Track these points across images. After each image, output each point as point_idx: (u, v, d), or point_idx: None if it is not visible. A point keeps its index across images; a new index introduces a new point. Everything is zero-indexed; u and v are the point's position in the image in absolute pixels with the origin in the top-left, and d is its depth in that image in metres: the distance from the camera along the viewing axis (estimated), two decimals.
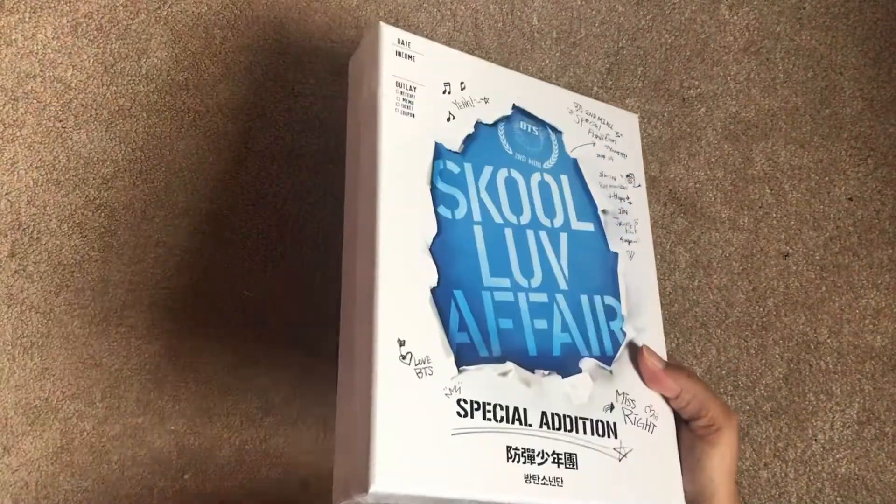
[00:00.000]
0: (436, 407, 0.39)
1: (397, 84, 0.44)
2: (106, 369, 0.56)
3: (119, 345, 0.56)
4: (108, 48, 0.53)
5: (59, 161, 0.54)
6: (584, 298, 0.46)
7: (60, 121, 0.53)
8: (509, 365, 0.42)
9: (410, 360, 0.39)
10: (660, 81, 0.55)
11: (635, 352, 0.47)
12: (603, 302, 0.47)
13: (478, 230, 0.44)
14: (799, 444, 0.57)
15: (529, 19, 0.54)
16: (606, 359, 0.46)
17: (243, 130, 0.54)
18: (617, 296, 0.48)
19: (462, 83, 0.46)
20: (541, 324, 0.44)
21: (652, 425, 0.45)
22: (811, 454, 0.57)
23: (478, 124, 0.46)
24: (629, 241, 0.49)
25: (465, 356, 0.41)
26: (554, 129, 0.49)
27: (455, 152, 0.45)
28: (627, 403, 0.45)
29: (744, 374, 0.57)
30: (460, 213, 0.44)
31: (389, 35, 0.45)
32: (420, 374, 0.39)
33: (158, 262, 0.55)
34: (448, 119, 0.45)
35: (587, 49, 0.54)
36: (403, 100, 0.44)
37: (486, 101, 0.47)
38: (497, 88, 0.47)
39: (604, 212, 0.49)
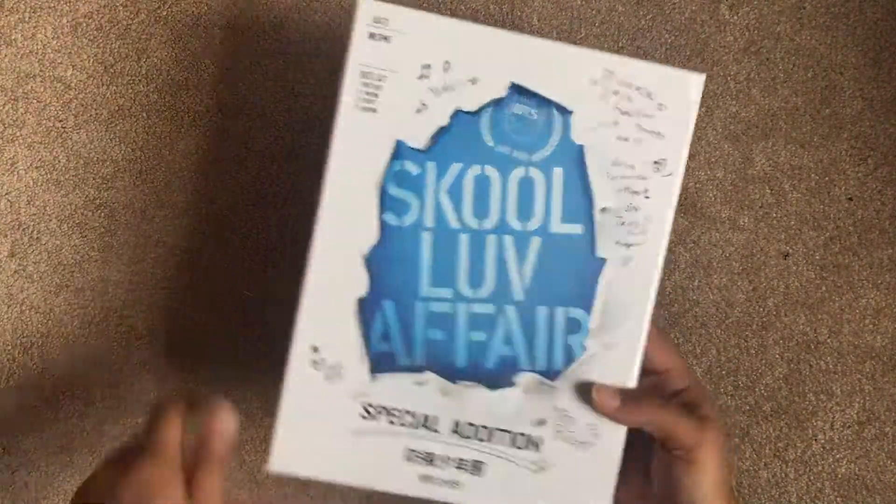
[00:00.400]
0: (339, 408, 0.43)
1: (363, 74, 0.42)
2: (106, 369, 0.56)
3: (119, 345, 0.56)
4: (108, 48, 0.53)
5: (59, 161, 0.54)
6: (541, 310, 0.43)
7: (60, 121, 0.53)
8: (428, 375, 0.43)
9: (321, 365, 0.43)
10: None
11: (589, 370, 0.44)
12: (566, 314, 0.43)
13: (426, 238, 0.43)
14: (799, 444, 0.57)
15: (529, 19, 0.54)
16: (552, 374, 0.43)
17: (243, 130, 0.54)
18: (588, 308, 0.43)
19: (447, 62, 0.42)
20: (478, 336, 0.43)
21: (589, 444, 0.44)
22: (811, 454, 0.57)
23: (456, 113, 0.42)
24: (629, 245, 0.43)
25: (381, 364, 0.43)
26: (561, 109, 0.42)
27: (418, 150, 0.42)
28: (564, 420, 0.44)
29: (744, 374, 0.57)
30: (409, 218, 0.42)
31: (365, 13, 0.41)
32: (329, 379, 0.43)
33: (158, 262, 0.55)
34: (418, 110, 0.42)
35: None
36: (367, 93, 0.42)
37: (473, 81, 0.42)
38: (494, 63, 0.42)
39: (603, 210, 0.43)
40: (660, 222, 0.43)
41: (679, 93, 0.43)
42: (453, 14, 0.54)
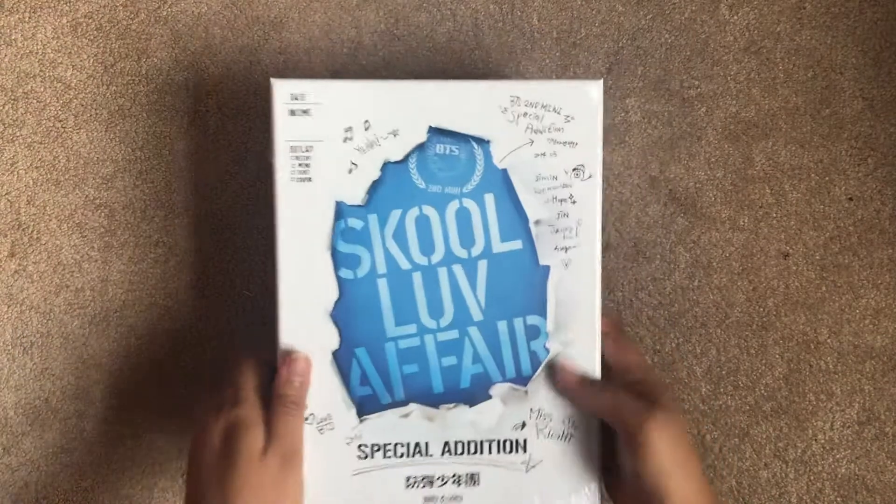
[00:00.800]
0: (337, 455, 0.46)
1: (292, 149, 0.44)
2: (106, 369, 0.56)
3: (119, 345, 0.56)
4: (108, 48, 0.53)
5: (59, 161, 0.54)
6: (501, 325, 0.47)
7: (60, 121, 0.53)
8: (412, 406, 0.47)
9: (313, 420, 0.46)
10: (660, 81, 0.55)
11: (553, 368, 0.47)
12: (525, 323, 0.47)
13: (382, 284, 0.46)
14: (799, 444, 0.57)
15: (530, 19, 0.54)
16: (522, 380, 0.47)
17: (243, 130, 0.54)
18: (543, 312, 0.47)
19: (366, 122, 0.45)
20: (449, 361, 0.47)
21: (570, 435, 0.47)
22: (811, 454, 0.57)
23: (385, 166, 0.45)
24: (566, 249, 0.46)
25: (366, 407, 0.46)
26: (479, 141, 0.45)
27: (357, 206, 0.45)
28: (542, 419, 0.47)
29: (744, 374, 0.57)
30: (363, 270, 0.45)
31: (281, 93, 0.44)
32: (322, 431, 0.46)
33: (158, 262, 0.55)
34: (350, 171, 0.45)
35: (587, 49, 0.54)
36: (299, 165, 0.44)
37: (395, 134, 0.45)
38: (410, 113, 0.45)
39: (537, 222, 0.46)
40: (591, 223, 0.46)
41: (582, 102, 0.46)
42: (454, 14, 0.54)
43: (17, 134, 0.53)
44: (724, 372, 0.57)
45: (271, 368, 0.45)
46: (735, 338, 0.57)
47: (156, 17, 0.53)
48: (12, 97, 0.53)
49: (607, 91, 0.55)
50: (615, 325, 0.50)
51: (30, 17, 0.52)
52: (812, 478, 0.57)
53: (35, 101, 0.53)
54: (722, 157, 0.56)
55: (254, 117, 0.54)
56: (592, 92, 0.46)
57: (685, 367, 0.57)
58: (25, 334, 0.55)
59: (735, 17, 0.55)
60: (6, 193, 0.54)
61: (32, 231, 0.54)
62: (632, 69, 0.55)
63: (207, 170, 0.54)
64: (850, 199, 0.56)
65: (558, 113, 0.46)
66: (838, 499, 0.58)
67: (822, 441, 0.57)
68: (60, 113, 0.53)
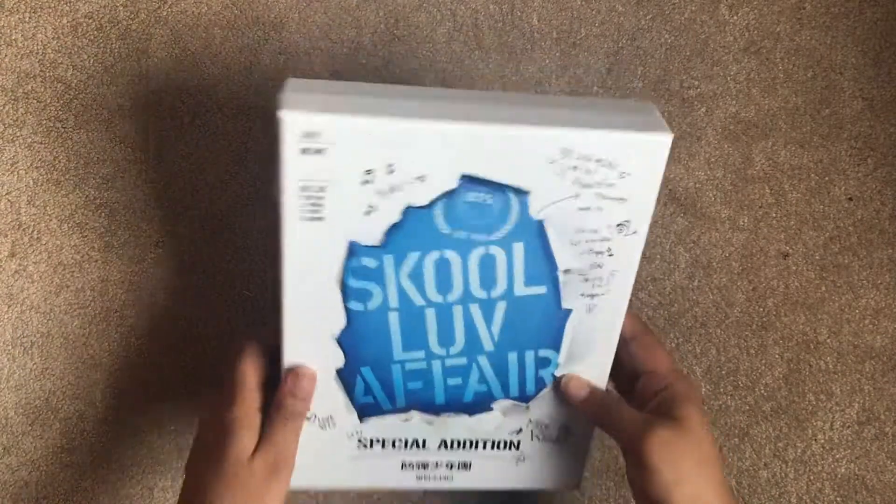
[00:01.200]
0: (337, 445, 0.47)
1: (302, 189, 0.38)
2: (106, 369, 0.56)
3: (119, 345, 0.56)
4: (108, 48, 0.53)
5: (59, 161, 0.54)
6: (512, 355, 0.45)
7: (60, 121, 0.53)
8: (412, 413, 0.47)
9: (315, 419, 0.46)
10: (660, 81, 0.55)
11: (559, 393, 0.47)
12: (536, 354, 0.45)
13: (393, 316, 0.43)
14: (799, 444, 0.57)
15: (529, 19, 0.54)
16: (525, 398, 0.47)
17: (243, 130, 0.54)
18: (557, 347, 0.45)
19: (390, 165, 0.38)
20: (454, 381, 0.46)
21: (562, 440, 0.49)
22: (811, 454, 0.57)
23: (407, 210, 0.40)
24: (592, 296, 0.43)
25: (367, 411, 0.46)
26: (518, 192, 0.40)
27: (373, 247, 0.41)
28: (539, 427, 0.48)
29: (743, 374, 0.57)
30: (374, 304, 0.42)
31: (294, 129, 0.37)
32: (324, 427, 0.46)
33: (158, 262, 0.55)
34: (367, 212, 0.40)
35: (587, 49, 0.54)
36: (311, 205, 0.39)
37: (422, 179, 0.39)
38: (441, 158, 0.39)
39: (566, 271, 0.42)
40: (625, 275, 0.43)
41: (646, 158, 0.40)
42: (454, 14, 0.54)
43: (18, 134, 0.53)
44: (723, 372, 0.57)
45: (274, 350, 0.44)
46: (735, 338, 0.57)
47: (156, 18, 0.53)
48: (12, 97, 0.53)
49: (607, 91, 0.55)
50: (642, 327, 0.48)
51: (30, 18, 0.52)
52: (812, 478, 0.58)
53: (35, 101, 0.53)
54: (722, 157, 0.56)
55: (254, 117, 0.54)
56: (659, 147, 0.39)
57: (685, 367, 0.57)
58: (25, 334, 0.55)
59: (735, 18, 0.55)
60: (6, 193, 0.54)
61: (32, 231, 0.54)
62: (632, 69, 0.55)
63: (207, 170, 0.54)
64: (850, 199, 0.56)
65: (613, 168, 0.39)
66: (838, 499, 0.58)
67: (822, 441, 0.57)
68: (60, 113, 0.53)
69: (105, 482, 0.57)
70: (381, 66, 0.54)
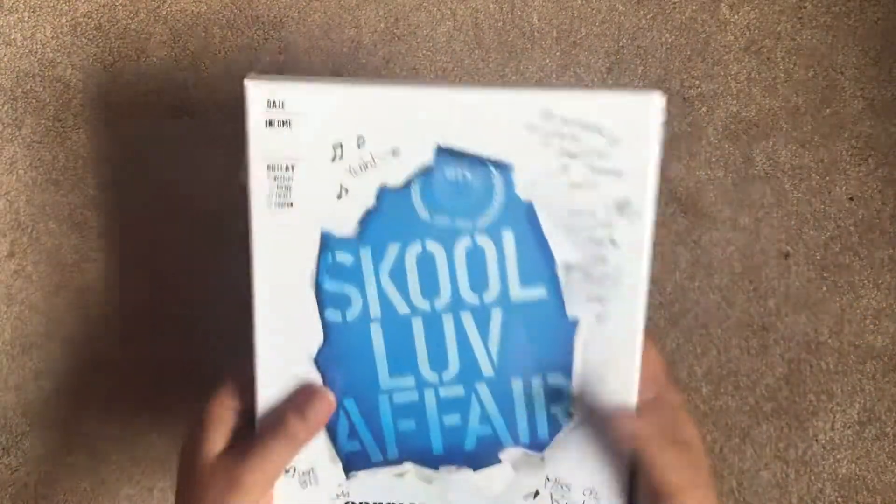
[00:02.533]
0: None
1: (269, 168, 0.37)
2: (106, 369, 0.56)
3: (119, 345, 0.56)
4: (107, 48, 0.53)
5: (59, 161, 0.54)
6: (516, 383, 0.39)
7: (60, 120, 0.53)
8: (407, 466, 0.40)
9: (294, 473, 0.40)
10: (660, 81, 0.55)
11: (578, 436, 0.40)
12: (545, 382, 0.39)
13: (375, 329, 0.38)
14: (800, 444, 0.57)
15: (530, 18, 0.54)
16: (538, 445, 0.40)
17: (244, 130, 0.54)
18: (568, 372, 0.39)
19: (360, 137, 0.36)
20: (452, 420, 0.40)
21: None
22: (812, 454, 0.57)
23: (381, 192, 0.37)
24: (601, 300, 0.38)
25: (354, 463, 0.40)
26: (500, 165, 0.37)
27: (347, 238, 0.38)
28: (559, 489, 0.40)
29: (744, 375, 0.57)
30: (353, 313, 0.38)
31: (257, 97, 0.36)
32: (304, 484, 0.40)
33: (158, 261, 0.55)
34: (339, 196, 0.37)
35: (587, 48, 0.54)
36: (278, 187, 0.37)
37: (394, 153, 0.37)
38: (414, 127, 0.36)
39: (566, 267, 0.38)
40: (634, 272, 0.38)
41: (635, 121, 0.36)
42: (454, 14, 0.54)
43: (17, 134, 0.53)
44: (724, 372, 0.57)
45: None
46: (735, 338, 0.57)
47: (155, 17, 0.53)
48: (12, 97, 0.53)
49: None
50: None
51: (29, 17, 0.52)
52: (813, 478, 0.57)
53: (35, 101, 0.53)
54: (722, 157, 0.56)
55: None
56: (649, 107, 0.36)
57: (685, 367, 0.57)
58: (25, 334, 0.55)
59: (736, 17, 0.55)
60: (6, 193, 0.54)
61: (32, 231, 0.54)
62: (632, 69, 0.55)
63: (207, 170, 0.54)
64: (851, 198, 0.56)
65: (602, 134, 0.36)
66: (839, 499, 0.57)
67: (823, 441, 0.57)
68: (60, 113, 0.53)
69: (105, 482, 0.57)
70: (381, 65, 0.54)
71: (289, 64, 0.54)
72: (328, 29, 0.54)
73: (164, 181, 0.54)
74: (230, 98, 0.54)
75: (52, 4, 0.52)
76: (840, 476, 0.57)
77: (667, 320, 0.57)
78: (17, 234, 0.54)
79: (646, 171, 0.37)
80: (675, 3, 0.54)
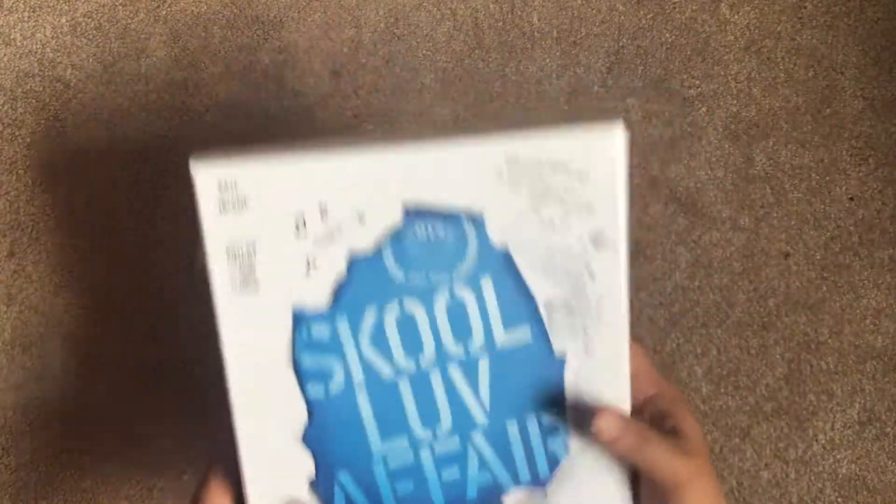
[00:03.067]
0: None
1: (228, 253, 0.35)
2: (105, 369, 0.56)
3: (119, 345, 0.56)
4: (107, 47, 0.53)
5: (59, 161, 0.54)
6: (511, 425, 0.38)
7: (60, 120, 0.53)
8: None
9: None
10: (660, 81, 0.55)
11: (578, 466, 0.39)
12: (539, 421, 0.38)
13: (361, 396, 0.37)
14: (800, 444, 0.57)
15: (530, 18, 0.54)
16: (540, 482, 0.39)
17: (244, 130, 0.54)
18: (561, 406, 0.38)
19: (322, 205, 0.35)
20: (451, 474, 0.38)
21: None
22: (812, 454, 0.57)
23: (351, 260, 0.36)
24: (585, 331, 0.38)
25: None
26: (470, 216, 0.36)
27: (321, 312, 0.36)
28: None
29: (744, 375, 0.57)
30: (336, 385, 0.37)
31: (208, 181, 0.34)
32: None
33: (159, 261, 0.55)
34: (307, 270, 0.35)
35: (588, 48, 0.54)
36: (241, 270, 0.35)
37: (360, 218, 0.35)
38: (377, 188, 0.35)
39: (547, 304, 0.37)
40: (614, 301, 0.37)
41: (600, 154, 0.36)
42: (454, 14, 0.54)
43: (17, 134, 0.53)
44: (724, 372, 0.57)
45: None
46: (736, 338, 0.57)
47: (155, 17, 0.53)
48: (12, 97, 0.53)
49: (607, 90, 0.55)
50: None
51: (29, 17, 0.52)
52: (813, 478, 0.57)
53: (34, 101, 0.53)
54: (722, 157, 0.56)
55: (254, 117, 0.54)
56: (612, 139, 0.35)
57: (686, 367, 0.57)
58: (25, 334, 0.55)
59: (736, 17, 0.55)
60: (6, 193, 0.54)
61: (32, 231, 0.54)
62: (632, 68, 0.55)
63: None
64: (851, 198, 0.56)
65: (568, 171, 0.36)
66: (839, 499, 0.57)
67: (823, 441, 0.57)
68: (60, 112, 0.53)
69: (105, 482, 0.57)
70: (381, 64, 0.54)
71: (288, 63, 0.54)
72: (328, 29, 0.54)
73: (164, 181, 0.54)
74: (230, 97, 0.54)
75: (52, 4, 0.52)
76: (840, 476, 0.57)
77: (667, 320, 0.57)
78: (17, 234, 0.54)
79: (616, 202, 0.36)
80: (675, 3, 0.54)
